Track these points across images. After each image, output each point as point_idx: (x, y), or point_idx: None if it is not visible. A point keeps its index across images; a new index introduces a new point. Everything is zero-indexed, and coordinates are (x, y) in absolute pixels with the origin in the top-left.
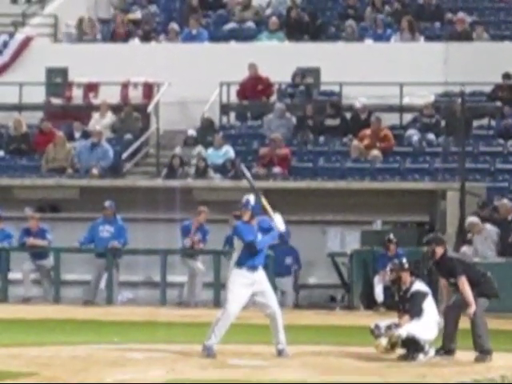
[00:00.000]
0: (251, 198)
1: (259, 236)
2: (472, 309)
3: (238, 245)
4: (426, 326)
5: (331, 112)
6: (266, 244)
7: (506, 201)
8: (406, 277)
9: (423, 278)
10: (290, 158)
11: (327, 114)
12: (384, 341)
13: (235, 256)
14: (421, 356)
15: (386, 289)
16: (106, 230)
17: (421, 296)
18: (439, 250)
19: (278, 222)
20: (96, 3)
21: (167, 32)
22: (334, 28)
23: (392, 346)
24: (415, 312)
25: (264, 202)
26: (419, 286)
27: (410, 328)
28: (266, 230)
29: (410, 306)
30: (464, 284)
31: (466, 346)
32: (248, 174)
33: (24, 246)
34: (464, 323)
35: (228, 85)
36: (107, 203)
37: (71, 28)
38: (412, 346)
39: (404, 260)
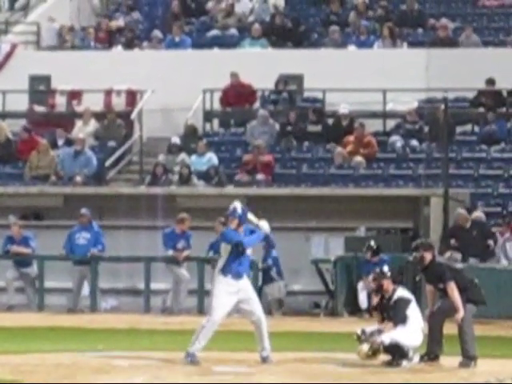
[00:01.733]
0: (238, 205)
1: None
2: (460, 314)
3: (224, 251)
4: (411, 332)
5: (313, 118)
6: (252, 243)
7: (461, 210)
8: (388, 284)
9: (407, 285)
10: (273, 164)
11: (310, 120)
12: (366, 347)
13: (220, 263)
14: (404, 362)
15: (370, 295)
16: (82, 237)
17: (404, 303)
18: (428, 256)
19: (263, 224)
20: (79, 11)
21: (150, 39)
22: (316, 35)
23: (373, 352)
24: (399, 319)
25: (250, 215)
26: (402, 292)
27: (393, 334)
28: (252, 233)
29: (393, 313)
30: (453, 290)
31: (450, 352)
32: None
33: (7, 253)
34: (449, 329)
35: (211, 92)
36: (83, 210)
37: (53, 29)
38: (396, 353)
39: (385, 268)
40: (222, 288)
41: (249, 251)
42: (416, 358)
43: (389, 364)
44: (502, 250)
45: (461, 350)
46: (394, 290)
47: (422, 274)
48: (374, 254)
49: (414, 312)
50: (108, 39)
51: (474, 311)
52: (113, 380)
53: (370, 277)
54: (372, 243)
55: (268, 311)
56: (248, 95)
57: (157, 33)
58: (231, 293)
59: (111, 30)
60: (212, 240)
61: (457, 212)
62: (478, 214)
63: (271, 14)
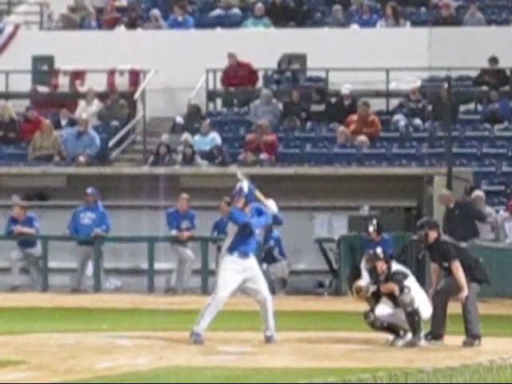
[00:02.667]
0: (244, 185)
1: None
2: (465, 293)
3: (231, 230)
4: (422, 302)
5: (317, 98)
6: (261, 224)
7: (444, 190)
8: (382, 266)
9: (411, 264)
10: (276, 144)
11: (313, 100)
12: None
13: (227, 242)
14: (422, 341)
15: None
16: (87, 217)
17: (401, 273)
18: (432, 234)
19: (271, 205)
20: None
21: (149, 18)
22: (319, 14)
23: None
24: (400, 287)
25: (257, 193)
26: (397, 266)
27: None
28: (260, 214)
29: (396, 282)
30: (458, 268)
31: (454, 331)
32: (243, 178)
33: (11, 234)
34: (452, 308)
35: (214, 71)
36: (89, 190)
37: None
38: (413, 326)
39: (379, 250)
40: (229, 266)
41: (257, 231)
42: (408, 336)
43: (401, 343)
44: (501, 229)
45: (465, 329)
46: (389, 268)
47: (427, 252)
48: (379, 232)
49: (414, 285)
50: (114, 20)
51: (478, 290)
52: (117, 360)
53: (364, 257)
54: (375, 222)
55: (271, 290)
56: (248, 75)
57: (155, 12)
58: (237, 271)
59: (116, 10)
60: (216, 219)
61: (440, 193)
62: (478, 193)
63: None
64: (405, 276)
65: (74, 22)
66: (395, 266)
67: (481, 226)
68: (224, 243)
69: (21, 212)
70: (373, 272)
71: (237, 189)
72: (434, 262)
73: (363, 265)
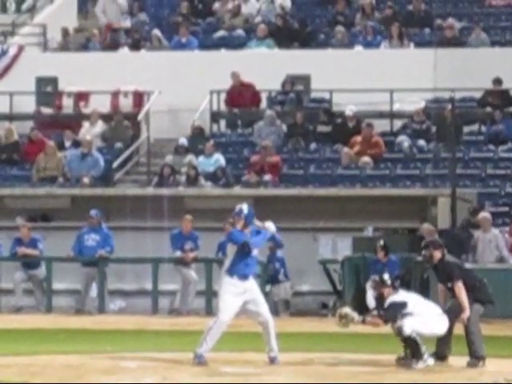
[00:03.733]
0: (244, 206)
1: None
2: (466, 314)
3: (230, 252)
4: (428, 321)
5: (324, 119)
6: (259, 243)
7: (426, 224)
8: (388, 292)
9: (415, 285)
10: (280, 165)
11: (320, 120)
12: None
13: (227, 263)
14: (420, 364)
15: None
16: (91, 239)
17: (394, 305)
18: (437, 254)
19: (270, 226)
20: (105, 12)
21: (150, 39)
22: (323, 35)
23: (344, 322)
24: (385, 318)
25: (256, 222)
26: (396, 297)
27: (414, 324)
28: (259, 234)
29: (385, 312)
30: (460, 289)
31: (458, 352)
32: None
33: (15, 255)
34: (456, 329)
35: (218, 93)
36: (92, 212)
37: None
38: (413, 348)
39: (386, 276)
40: (228, 289)
41: (255, 252)
42: (430, 360)
43: (400, 362)
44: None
45: (468, 351)
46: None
47: (433, 271)
48: (386, 253)
49: (418, 308)
50: (115, 41)
51: (482, 311)
52: (121, 381)
53: (368, 283)
54: (382, 242)
55: (275, 312)
56: (252, 95)
57: (156, 32)
58: (237, 294)
59: (118, 31)
60: (221, 240)
61: (422, 225)
62: (484, 214)
63: (278, 14)
64: (399, 307)
65: (76, 43)
66: (394, 297)
67: (484, 247)
68: (223, 264)
69: (27, 233)
70: (379, 299)
71: (236, 210)
72: (440, 282)
73: (368, 285)
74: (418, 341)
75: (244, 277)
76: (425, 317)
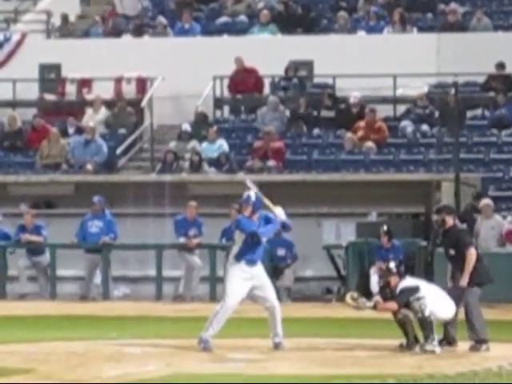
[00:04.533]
0: (252, 193)
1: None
2: (465, 281)
3: (238, 238)
4: (441, 305)
5: (328, 103)
6: (269, 233)
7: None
8: (395, 280)
9: (419, 269)
10: (284, 150)
11: (324, 105)
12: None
13: (235, 249)
14: (430, 346)
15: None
16: (94, 226)
17: (405, 290)
18: (449, 220)
19: (279, 212)
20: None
21: (155, 26)
22: (326, 20)
23: (357, 306)
24: (398, 303)
25: (265, 200)
26: (405, 283)
27: (431, 306)
28: (268, 222)
29: (397, 298)
30: (472, 256)
31: (462, 337)
32: (252, 186)
33: (19, 242)
34: (460, 314)
35: (221, 78)
36: (95, 198)
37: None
38: (425, 329)
39: (392, 264)
40: (236, 274)
41: (264, 239)
42: (438, 348)
43: (403, 348)
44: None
45: (470, 335)
46: (400, 284)
47: (441, 237)
48: (390, 238)
49: (429, 292)
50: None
51: (479, 294)
52: (125, 368)
53: (373, 269)
54: (385, 228)
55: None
56: (255, 81)
57: (161, 19)
58: (245, 279)
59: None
60: (225, 226)
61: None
62: (486, 201)
63: (280, 0)
64: (413, 291)
65: (79, 30)
66: (405, 283)
67: (486, 233)
68: (231, 251)
69: (31, 220)
70: (386, 287)
71: (244, 197)
72: (444, 249)
73: (372, 270)
74: (433, 324)
75: (252, 262)
76: (436, 300)
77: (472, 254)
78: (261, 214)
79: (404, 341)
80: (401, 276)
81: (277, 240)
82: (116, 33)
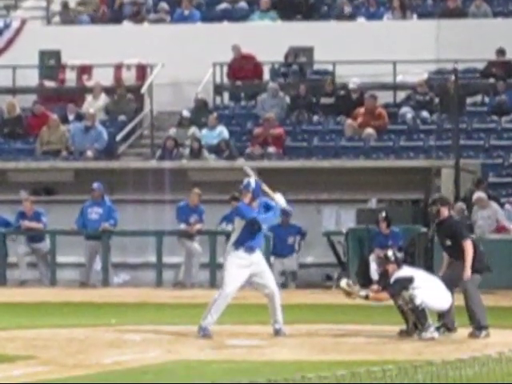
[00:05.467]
0: (252, 180)
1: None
2: (468, 273)
3: (237, 225)
4: (436, 296)
5: (330, 89)
6: (269, 220)
7: (460, 204)
8: (393, 269)
9: (419, 256)
10: (284, 137)
11: (323, 92)
12: (344, 283)
13: (233, 237)
14: (427, 334)
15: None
16: (94, 212)
17: (399, 280)
18: (444, 211)
19: (279, 198)
20: None
21: (157, 11)
22: (326, 7)
23: (348, 293)
24: (391, 293)
25: (264, 187)
26: (401, 272)
27: (424, 295)
28: (268, 209)
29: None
30: (469, 246)
31: (462, 323)
32: (250, 172)
33: (19, 229)
34: (458, 300)
35: (221, 65)
36: (95, 185)
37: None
38: (420, 318)
39: (389, 253)
40: (234, 261)
41: (264, 226)
42: (435, 333)
43: (403, 334)
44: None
45: (470, 321)
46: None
47: (435, 228)
48: (388, 224)
49: (425, 282)
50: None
51: (480, 280)
52: (125, 354)
53: (372, 256)
54: (384, 214)
55: (282, 284)
56: (253, 68)
57: (163, 5)
58: (243, 266)
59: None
60: (225, 213)
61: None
62: (478, 194)
63: None
64: (406, 282)
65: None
66: (400, 273)
67: (483, 222)
68: (230, 238)
69: (31, 207)
70: (384, 275)
71: (244, 183)
72: (439, 240)
73: (372, 257)
74: (426, 312)
75: (250, 249)
76: (432, 291)
77: (469, 245)
78: (261, 200)
79: (404, 327)
80: (399, 265)
81: (285, 228)
82: (111, 20)
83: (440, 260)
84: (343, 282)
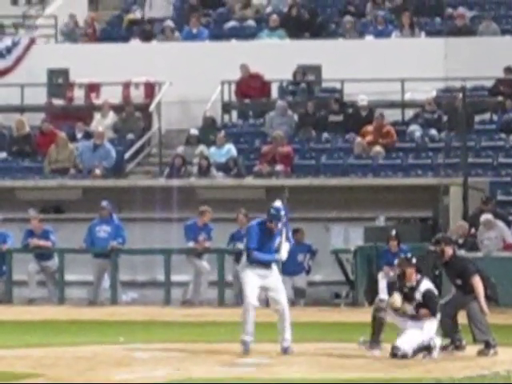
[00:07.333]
0: (282, 213)
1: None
2: (485, 308)
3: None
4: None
5: (336, 108)
6: (263, 258)
7: (461, 222)
8: (412, 273)
9: (427, 275)
10: (292, 155)
11: (331, 110)
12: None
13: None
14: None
15: (390, 285)
16: (102, 230)
17: (434, 295)
18: (448, 250)
19: (285, 248)
20: (151, 3)
21: (163, 30)
22: (334, 25)
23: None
24: (435, 311)
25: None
26: (428, 284)
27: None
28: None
29: (429, 305)
30: (478, 282)
31: (470, 341)
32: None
33: (28, 247)
34: (463, 318)
35: (229, 83)
36: (104, 203)
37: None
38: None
39: (410, 255)
40: (249, 273)
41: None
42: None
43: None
44: None
45: (473, 337)
46: (419, 282)
47: (443, 268)
48: (398, 243)
49: None
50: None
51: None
52: (134, 372)
53: (381, 273)
54: (394, 232)
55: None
56: (261, 85)
57: (169, 23)
58: (258, 275)
59: (129, 23)
60: (232, 231)
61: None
62: (486, 216)
63: (288, 4)
64: (436, 296)
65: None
66: (426, 284)
67: (490, 241)
68: (242, 258)
69: (39, 225)
70: (400, 277)
71: (277, 213)
72: (449, 279)
73: (380, 275)
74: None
75: (265, 265)
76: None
77: (477, 281)
78: (287, 225)
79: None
80: (418, 270)
81: (295, 247)
82: (100, 39)
83: (448, 282)
84: (397, 298)
